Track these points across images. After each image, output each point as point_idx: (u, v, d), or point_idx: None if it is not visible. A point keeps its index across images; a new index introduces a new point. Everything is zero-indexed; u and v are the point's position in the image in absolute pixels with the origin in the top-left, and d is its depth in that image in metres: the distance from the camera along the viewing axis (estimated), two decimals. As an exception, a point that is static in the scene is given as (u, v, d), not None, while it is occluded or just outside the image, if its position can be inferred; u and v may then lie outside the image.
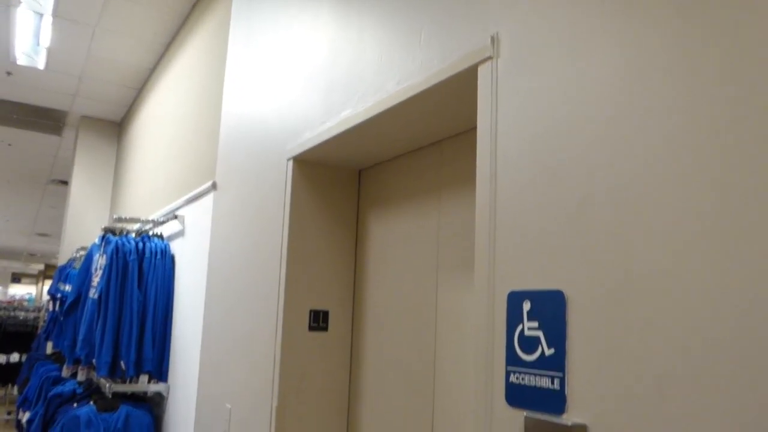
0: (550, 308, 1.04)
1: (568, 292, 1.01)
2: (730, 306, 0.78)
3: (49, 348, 5.42)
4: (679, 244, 0.85)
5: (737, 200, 0.79)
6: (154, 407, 3.39)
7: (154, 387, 3.24)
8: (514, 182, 1.15)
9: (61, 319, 4.04)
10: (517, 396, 1.08)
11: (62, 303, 4.45)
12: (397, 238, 1.94)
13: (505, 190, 1.17)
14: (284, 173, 2.13)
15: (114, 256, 3.16)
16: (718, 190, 0.81)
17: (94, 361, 3.17)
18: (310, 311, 2.03)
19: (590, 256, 0.98)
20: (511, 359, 1.10)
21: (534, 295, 1.07)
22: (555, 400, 1.01)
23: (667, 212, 0.87)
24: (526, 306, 1.08)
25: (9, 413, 8.92)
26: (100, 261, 3.31)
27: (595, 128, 1.00)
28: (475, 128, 1.64)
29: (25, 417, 4.74)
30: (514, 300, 1.11)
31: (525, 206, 1.12)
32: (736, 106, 0.80)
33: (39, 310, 9.69)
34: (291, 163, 2.08)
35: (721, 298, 0.79)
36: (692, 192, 0.84)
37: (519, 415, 1.06)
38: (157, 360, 3.23)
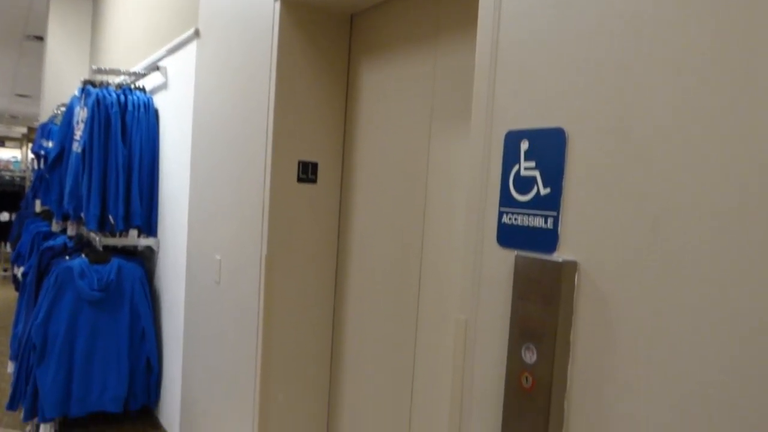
0: (548, 147, 1.00)
1: (570, 130, 0.96)
2: (736, 148, 0.74)
3: (38, 206, 5.41)
4: (689, 82, 0.79)
5: (753, 41, 0.72)
6: (145, 261, 3.45)
7: (144, 241, 3.27)
8: (518, 15, 1.06)
9: (47, 175, 3.99)
10: (508, 236, 1.07)
11: (46, 160, 4.38)
12: (390, 87, 1.86)
13: (508, 24, 1.08)
14: (271, 17, 1.99)
15: (95, 109, 3.06)
16: (737, 26, 0.74)
17: (82, 215, 3.17)
18: (299, 162, 1.99)
19: (595, 93, 0.92)
20: (505, 200, 1.07)
21: (533, 134, 1.02)
22: (547, 239, 0.99)
23: (679, 47, 0.80)
24: (524, 146, 1.04)
25: (5, 270, 9.14)
26: (81, 114, 3.20)
27: (614, -53, 0.90)
28: (477, -36, 1.51)
29: (20, 271, 4.84)
30: (512, 140, 1.06)
31: (529, 41, 1.04)
32: None
33: (26, 171, 9.63)
34: (278, 5, 1.94)
35: (727, 139, 0.75)
36: (708, 28, 0.77)
37: (510, 255, 1.06)
38: (145, 214, 3.24)
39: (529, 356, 1.00)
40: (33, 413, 3.00)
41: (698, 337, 0.77)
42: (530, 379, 0.99)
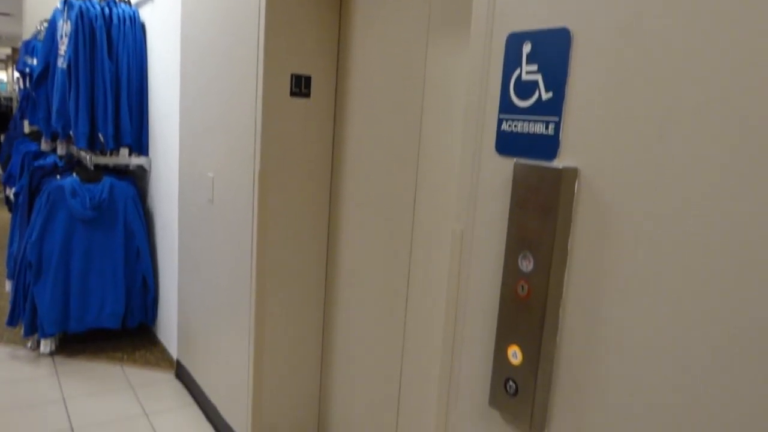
0: (552, 48, 0.95)
1: (575, 30, 0.92)
2: (751, 52, 0.70)
3: (26, 127, 5.30)
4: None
5: None
6: (137, 180, 3.41)
7: (136, 160, 3.22)
8: None
9: (32, 93, 3.88)
10: (507, 144, 1.04)
11: (32, 78, 4.25)
12: (385, -5, 1.77)
13: None
14: None
15: (79, 22, 2.93)
16: None
17: (71, 133, 3.10)
18: (292, 76, 1.93)
19: (605, -13, 0.87)
20: (505, 106, 1.04)
21: (536, 36, 0.98)
22: (548, 145, 0.97)
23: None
24: (526, 48, 1.00)
25: (-3, 192, 9.08)
26: (64, 28, 3.08)
27: None
28: None
29: (11, 192, 4.80)
30: (514, 42, 1.02)
31: (536, -68, 0.98)
32: None
33: (12, 92, 9.40)
34: None
35: (743, 41, 0.71)
36: None
37: (508, 163, 1.04)
38: (135, 133, 3.17)
39: (526, 265, 0.99)
40: (33, 329, 3.05)
41: (700, 247, 0.76)
42: (526, 287, 0.99)
